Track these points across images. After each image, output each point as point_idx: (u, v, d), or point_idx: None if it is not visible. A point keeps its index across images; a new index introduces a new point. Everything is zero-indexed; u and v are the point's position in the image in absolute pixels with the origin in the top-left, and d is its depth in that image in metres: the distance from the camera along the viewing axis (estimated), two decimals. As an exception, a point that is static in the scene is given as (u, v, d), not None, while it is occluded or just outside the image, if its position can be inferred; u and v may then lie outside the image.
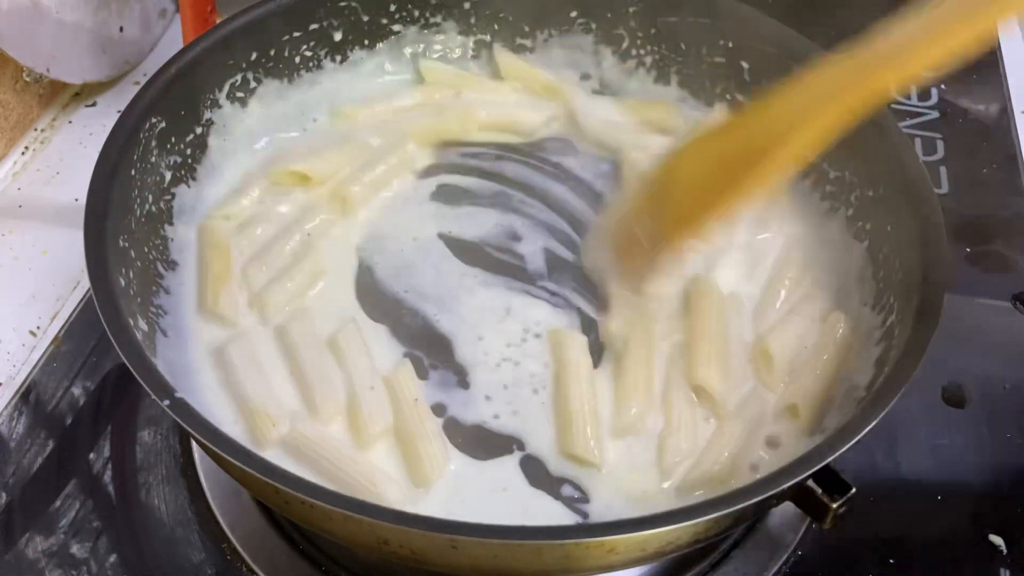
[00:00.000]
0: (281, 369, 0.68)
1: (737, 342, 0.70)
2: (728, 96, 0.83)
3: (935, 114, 1.04)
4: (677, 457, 0.64)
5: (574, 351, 0.69)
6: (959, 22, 0.56)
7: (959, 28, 0.56)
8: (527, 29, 0.87)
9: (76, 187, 0.94)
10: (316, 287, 0.73)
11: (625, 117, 0.85)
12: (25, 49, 0.92)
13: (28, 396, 0.78)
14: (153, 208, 0.71)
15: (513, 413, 0.67)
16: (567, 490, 0.64)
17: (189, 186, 0.76)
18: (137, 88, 0.72)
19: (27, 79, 0.96)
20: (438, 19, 0.86)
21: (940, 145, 1.00)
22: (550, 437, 0.66)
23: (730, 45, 0.81)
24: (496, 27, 0.87)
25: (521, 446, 0.66)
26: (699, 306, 0.71)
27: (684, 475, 0.64)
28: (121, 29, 1.03)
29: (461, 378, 0.69)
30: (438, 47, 0.87)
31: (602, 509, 0.63)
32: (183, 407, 0.55)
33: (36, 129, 1.01)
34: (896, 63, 0.57)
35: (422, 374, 0.69)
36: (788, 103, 0.61)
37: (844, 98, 0.58)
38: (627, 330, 0.70)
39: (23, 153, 0.99)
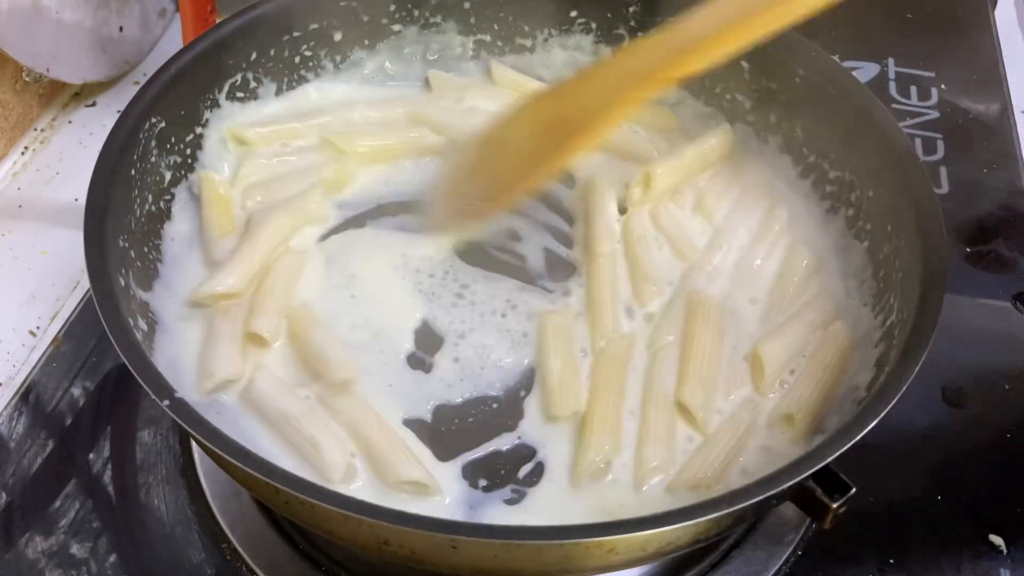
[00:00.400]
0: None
1: (732, 353, 0.70)
2: (728, 96, 0.83)
3: (935, 114, 1.04)
4: (654, 463, 0.64)
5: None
6: (759, 11, 0.61)
7: (758, 17, 0.61)
8: (527, 29, 0.87)
9: (76, 187, 0.94)
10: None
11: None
12: (25, 49, 0.92)
13: (28, 396, 0.78)
14: (153, 208, 0.71)
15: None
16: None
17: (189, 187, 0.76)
18: (137, 88, 0.72)
19: (27, 79, 0.96)
20: (438, 19, 0.86)
21: (940, 145, 1.00)
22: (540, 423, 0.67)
23: (730, 45, 0.81)
24: (496, 27, 0.87)
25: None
26: (694, 318, 0.70)
27: (662, 482, 0.63)
28: (121, 29, 1.03)
29: (464, 375, 0.69)
30: (438, 47, 0.87)
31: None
32: (183, 407, 0.55)
33: (36, 129, 1.01)
34: (698, 50, 0.63)
35: (425, 371, 0.69)
36: (598, 83, 0.67)
37: (647, 82, 0.65)
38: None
39: (23, 153, 0.99)
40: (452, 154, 0.79)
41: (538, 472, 0.65)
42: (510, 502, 0.63)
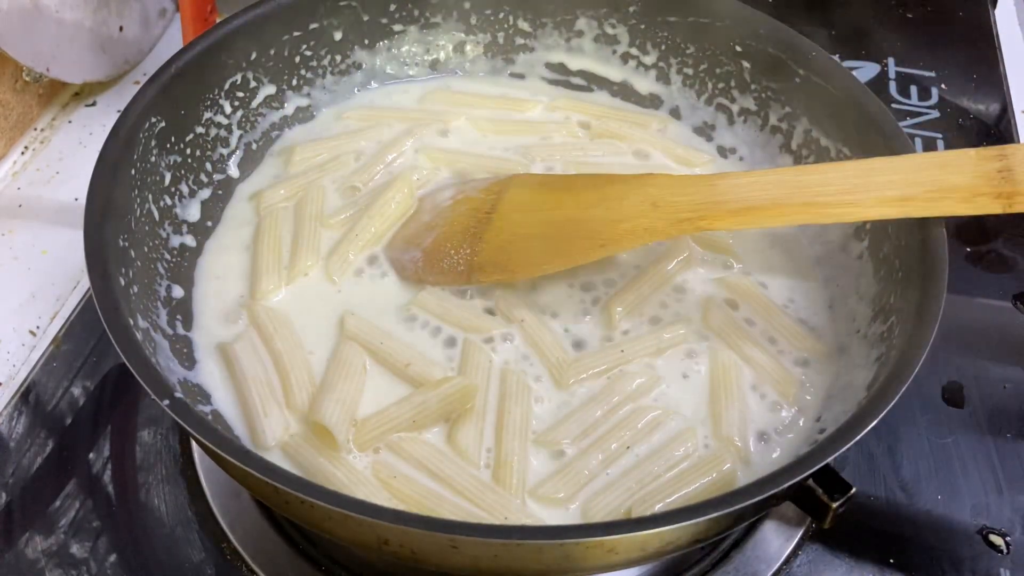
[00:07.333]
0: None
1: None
2: (728, 96, 0.83)
3: (935, 114, 1.04)
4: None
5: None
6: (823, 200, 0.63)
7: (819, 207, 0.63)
8: (527, 30, 0.87)
9: (76, 187, 0.94)
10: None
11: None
12: (25, 49, 0.92)
13: (28, 396, 0.78)
14: (153, 208, 0.71)
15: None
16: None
17: (189, 187, 0.76)
18: (137, 88, 0.72)
19: (27, 79, 0.96)
20: (438, 19, 0.86)
21: (940, 145, 1.00)
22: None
23: (730, 45, 0.81)
24: (496, 27, 0.87)
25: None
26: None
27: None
28: (121, 29, 1.03)
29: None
30: (438, 46, 0.87)
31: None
32: (183, 407, 0.55)
33: (36, 129, 1.01)
34: (742, 214, 0.64)
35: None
36: (626, 201, 0.65)
37: (674, 223, 0.64)
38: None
39: (23, 153, 0.99)
40: (441, 208, 0.75)
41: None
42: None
